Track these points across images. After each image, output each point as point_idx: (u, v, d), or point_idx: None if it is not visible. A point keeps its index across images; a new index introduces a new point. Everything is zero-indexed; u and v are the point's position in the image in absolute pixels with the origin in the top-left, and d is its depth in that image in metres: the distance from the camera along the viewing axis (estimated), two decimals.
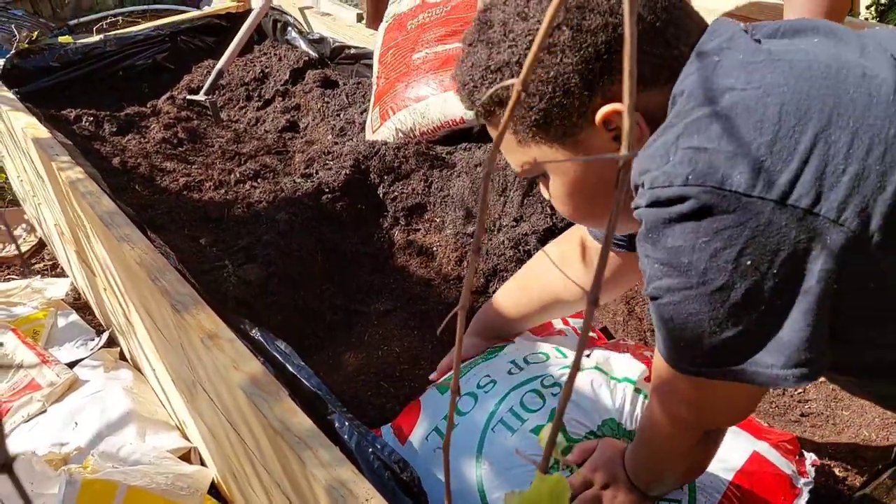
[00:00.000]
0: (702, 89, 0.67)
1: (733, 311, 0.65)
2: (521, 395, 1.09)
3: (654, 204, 0.65)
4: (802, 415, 1.35)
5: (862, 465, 1.22)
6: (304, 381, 1.02)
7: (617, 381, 1.10)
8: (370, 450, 0.92)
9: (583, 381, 1.09)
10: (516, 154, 0.83)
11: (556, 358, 1.17)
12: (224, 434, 1.20)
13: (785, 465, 1.04)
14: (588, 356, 1.14)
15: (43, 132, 1.72)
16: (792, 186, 0.60)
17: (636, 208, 0.68)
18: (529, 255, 1.49)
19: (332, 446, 0.87)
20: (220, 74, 2.42)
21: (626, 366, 1.11)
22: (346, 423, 0.95)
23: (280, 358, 1.07)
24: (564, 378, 1.09)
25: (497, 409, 1.08)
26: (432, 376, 1.28)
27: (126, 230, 1.31)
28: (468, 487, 1.03)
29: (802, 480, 1.03)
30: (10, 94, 1.97)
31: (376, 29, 2.39)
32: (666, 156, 0.65)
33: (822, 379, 1.00)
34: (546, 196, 0.90)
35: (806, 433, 1.30)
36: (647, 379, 1.10)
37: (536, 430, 1.04)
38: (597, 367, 1.12)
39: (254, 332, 1.12)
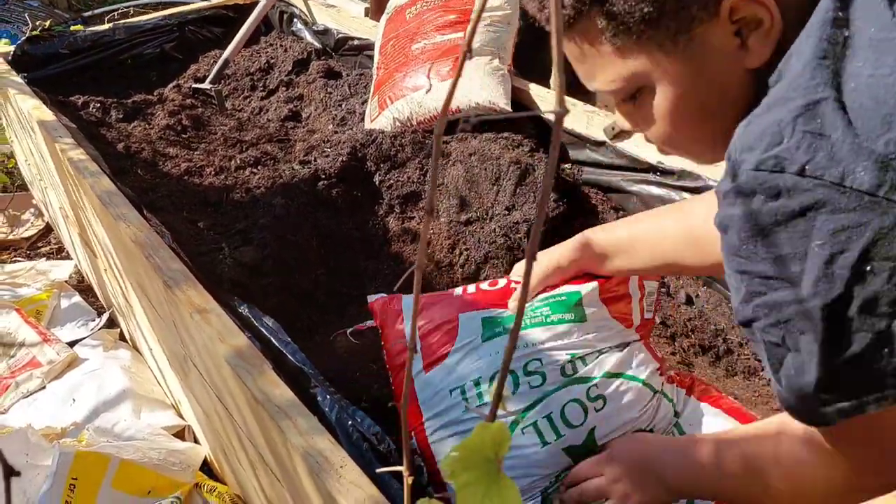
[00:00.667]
0: (828, 69, 0.58)
1: (852, 327, 0.56)
2: (563, 404, 0.99)
3: (757, 192, 0.58)
4: None
5: None
6: (289, 356, 1.05)
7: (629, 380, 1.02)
8: (349, 422, 0.94)
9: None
10: (612, 67, 0.71)
11: (620, 367, 1.05)
12: (213, 410, 1.22)
13: None
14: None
15: (48, 114, 1.75)
16: None
17: (728, 190, 0.60)
18: (520, 243, 1.51)
19: (311, 416, 0.89)
20: (225, 64, 2.44)
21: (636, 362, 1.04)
22: (328, 397, 0.97)
23: (267, 333, 1.09)
24: (609, 392, 1.01)
25: (533, 410, 0.99)
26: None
27: (123, 209, 1.34)
28: None
29: None
30: (18, 79, 2.01)
31: (376, 19, 2.43)
32: (779, 135, 0.57)
33: None
34: (627, 126, 0.78)
35: None
36: (661, 372, 1.06)
37: (569, 450, 0.98)
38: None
39: (242, 308, 1.14)
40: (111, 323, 1.92)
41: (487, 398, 0.99)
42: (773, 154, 0.57)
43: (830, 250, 0.55)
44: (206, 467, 1.54)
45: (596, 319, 1.04)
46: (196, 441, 1.57)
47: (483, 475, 0.46)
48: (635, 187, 1.56)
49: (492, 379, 1.00)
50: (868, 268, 0.55)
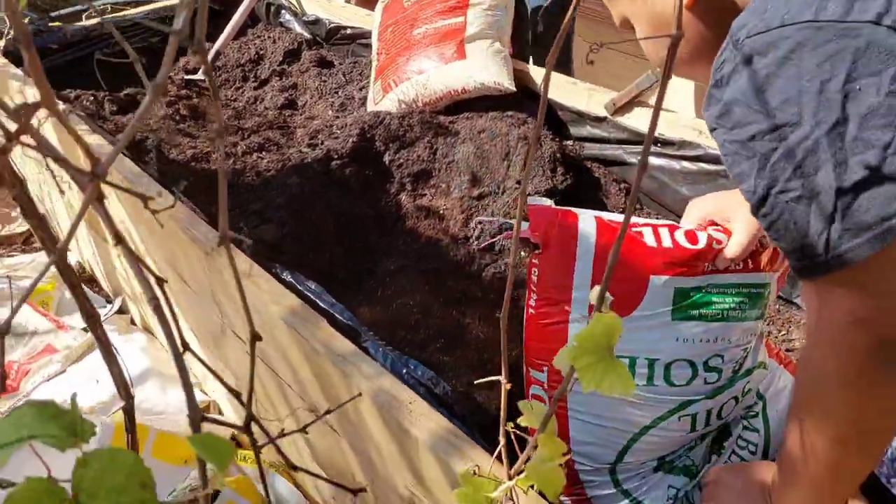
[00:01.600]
0: None
1: (855, 147, 0.61)
2: (723, 403, 0.98)
3: (754, 55, 0.65)
4: None
5: None
6: (337, 315, 1.10)
7: None
8: (404, 370, 1.00)
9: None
10: (613, 10, 0.94)
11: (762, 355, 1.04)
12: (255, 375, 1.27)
13: None
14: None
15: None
16: (887, 7, 0.60)
17: (734, 66, 0.67)
18: None
19: (373, 361, 0.95)
20: (216, 56, 2.47)
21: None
22: (380, 349, 1.03)
23: (312, 296, 1.14)
24: (755, 384, 1.03)
25: (698, 403, 0.97)
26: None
27: (152, 188, 1.38)
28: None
29: None
30: (18, 71, 2.01)
31: (361, 6, 2.48)
32: (764, 6, 0.66)
33: None
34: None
35: None
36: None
37: (665, 415, 0.96)
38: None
39: (285, 274, 1.19)
40: (121, 310, 1.94)
41: (659, 383, 0.95)
42: (761, 19, 0.66)
43: (820, 81, 0.62)
44: (234, 440, 1.58)
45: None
46: (220, 414, 1.61)
47: (599, 359, 0.53)
48: (636, 159, 1.64)
49: (669, 366, 0.95)
50: (857, 87, 0.60)
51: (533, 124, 1.72)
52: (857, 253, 0.63)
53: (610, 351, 0.53)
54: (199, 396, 1.60)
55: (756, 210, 0.69)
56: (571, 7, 0.50)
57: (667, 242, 0.97)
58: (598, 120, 1.70)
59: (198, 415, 0.41)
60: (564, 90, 1.76)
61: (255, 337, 0.43)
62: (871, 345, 0.65)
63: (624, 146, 1.67)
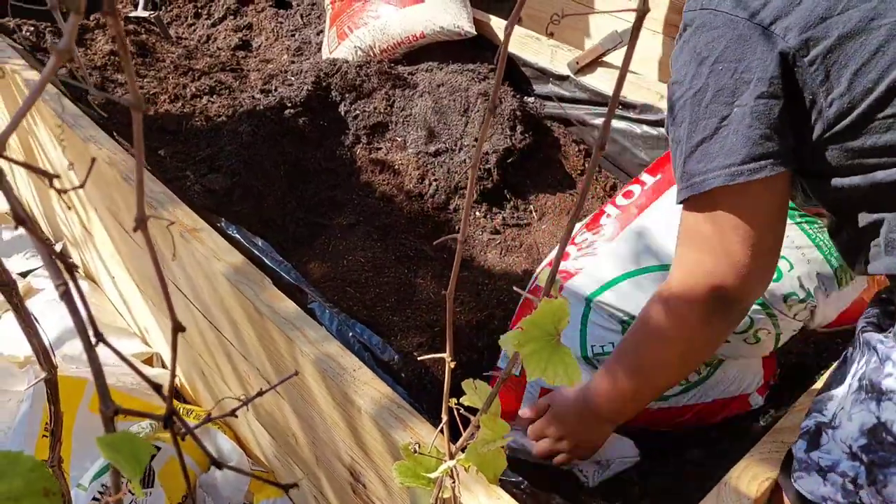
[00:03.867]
0: None
1: (704, 113, 0.77)
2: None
3: (685, 24, 0.82)
4: None
5: None
6: (283, 274, 1.07)
7: None
8: (350, 334, 0.98)
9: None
10: None
11: None
12: (196, 330, 1.24)
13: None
14: None
15: None
16: (758, 11, 0.75)
17: (680, 28, 0.84)
18: (489, 172, 1.56)
19: (318, 326, 0.93)
20: None
21: None
22: (327, 311, 1.00)
23: (258, 254, 1.11)
24: None
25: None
26: None
27: (91, 132, 1.31)
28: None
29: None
30: None
31: None
32: None
33: None
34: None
35: None
36: None
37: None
38: None
39: (230, 229, 1.15)
40: (61, 254, 1.87)
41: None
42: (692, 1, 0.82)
43: (702, 55, 0.78)
44: (176, 394, 1.55)
45: None
46: (164, 367, 1.57)
47: (545, 345, 0.51)
48: (597, 120, 1.62)
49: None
50: (720, 67, 0.76)
51: (493, 79, 1.68)
52: (680, 195, 0.81)
53: (556, 337, 0.51)
54: (142, 348, 1.56)
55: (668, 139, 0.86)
56: None
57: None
58: (561, 78, 1.67)
59: (111, 409, 0.38)
60: (528, 46, 1.72)
61: (178, 328, 0.40)
62: (698, 294, 0.82)
63: (585, 106, 1.64)
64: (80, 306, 0.36)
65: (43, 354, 0.59)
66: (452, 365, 0.63)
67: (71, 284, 0.36)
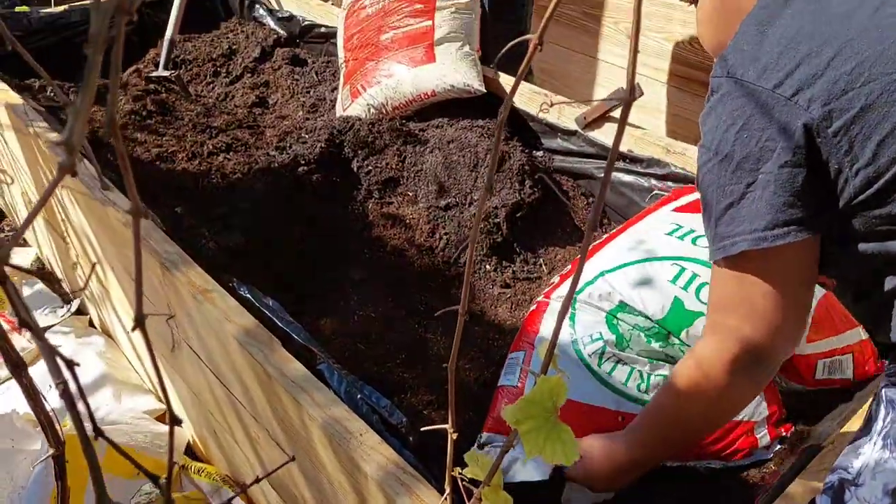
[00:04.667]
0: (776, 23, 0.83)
1: (731, 179, 0.79)
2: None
3: (712, 89, 0.84)
4: None
5: None
6: (293, 335, 1.08)
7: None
8: (358, 396, 0.98)
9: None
10: None
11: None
12: (208, 389, 1.24)
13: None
14: None
15: (15, 98, 1.72)
16: (782, 82, 0.77)
17: (708, 93, 0.86)
18: (498, 227, 1.57)
19: (326, 389, 0.93)
20: (172, 45, 2.41)
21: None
22: (336, 373, 1.01)
23: (269, 314, 1.12)
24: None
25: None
26: None
27: (110, 193, 1.34)
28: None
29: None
30: None
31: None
32: (727, 54, 0.84)
33: None
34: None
35: None
36: None
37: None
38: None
39: (242, 289, 1.17)
40: (79, 310, 1.90)
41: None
42: (722, 66, 0.83)
43: (727, 121, 0.80)
44: (188, 450, 1.56)
45: None
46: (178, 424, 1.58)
47: (543, 422, 0.52)
48: None
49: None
50: (746, 134, 0.78)
51: (503, 134, 1.70)
52: (712, 256, 0.84)
53: (554, 413, 0.51)
54: (155, 404, 1.57)
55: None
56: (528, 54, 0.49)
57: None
58: (569, 133, 1.69)
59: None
60: (536, 102, 1.75)
61: (140, 322, 0.41)
62: (725, 351, 0.85)
63: (593, 160, 1.66)
64: (80, 404, 0.37)
65: (50, 430, 0.60)
66: (455, 437, 0.64)
67: (71, 383, 0.37)
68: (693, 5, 1.03)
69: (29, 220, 0.37)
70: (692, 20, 2.34)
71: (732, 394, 0.88)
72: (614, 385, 1.14)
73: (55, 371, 0.37)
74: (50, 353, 0.36)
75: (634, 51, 0.44)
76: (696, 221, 1.25)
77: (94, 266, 1.50)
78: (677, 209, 1.33)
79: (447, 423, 1.16)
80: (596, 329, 1.16)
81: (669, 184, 1.50)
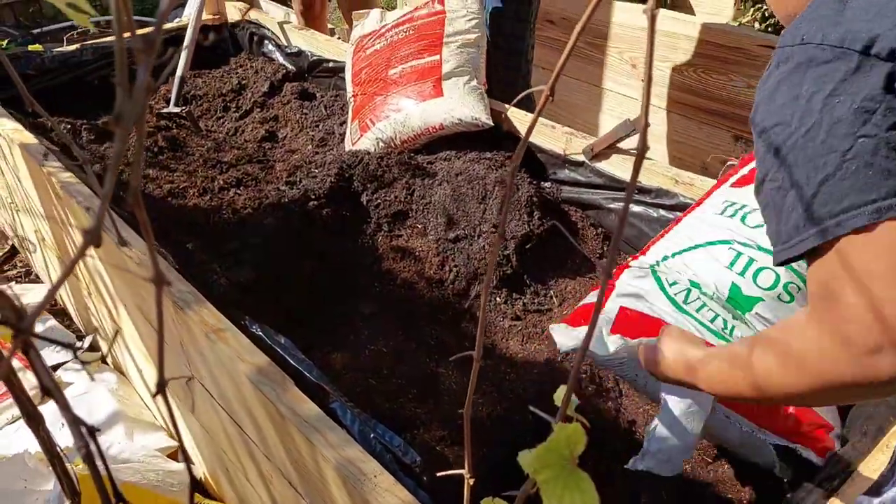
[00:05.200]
0: None
1: (821, 149, 0.72)
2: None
3: (779, 61, 0.79)
4: None
5: None
6: (306, 373, 1.08)
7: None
8: (371, 435, 0.98)
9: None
10: None
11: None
12: (221, 428, 1.24)
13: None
14: None
15: (29, 137, 1.74)
16: (872, 43, 0.71)
17: (772, 67, 0.81)
18: (508, 258, 1.57)
19: (339, 428, 0.93)
20: (182, 82, 2.45)
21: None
22: (349, 411, 1.01)
23: (281, 352, 1.12)
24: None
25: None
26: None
27: (123, 233, 1.35)
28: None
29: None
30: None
31: (305, 26, 2.53)
32: (798, 23, 0.79)
33: None
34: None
35: None
36: None
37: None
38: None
39: (254, 328, 1.17)
40: (91, 346, 1.91)
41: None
42: (792, 35, 0.78)
43: (809, 90, 0.74)
44: (200, 488, 1.55)
45: None
46: (188, 461, 1.57)
47: (561, 471, 0.51)
48: (614, 205, 1.64)
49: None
50: (836, 100, 0.72)
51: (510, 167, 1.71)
52: (803, 246, 0.74)
53: (572, 461, 0.51)
54: (167, 442, 1.56)
55: (756, 194, 0.81)
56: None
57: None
58: (577, 164, 1.70)
59: None
60: (543, 133, 1.76)
61: (161, 388, 0.41)
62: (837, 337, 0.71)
63: (601, 191, 1.67)
64: (101, 466, 0.37)
65: (66, 479, 0.61)
66: (472, 482, 0.63)
67: (92, 446, 0.37)
68: None
69: (55, 288, 0.38)
70: (694, 49, 2.36)
71: (846, 382, 0.72)
72: (701, 320, 1.17)
73: (77, 435, 0.37)
74: (74, 421, 0.37)
75: (648, 83, 0.44)
76: (748, 196, 1.24)
77: (117, 332, 1.51)
78: (735, 184, 1.32)
79: (460, 458, 1.16)
80: (679, 283, 1.23)
81: (679, 214, 1.50)
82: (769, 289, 1.14)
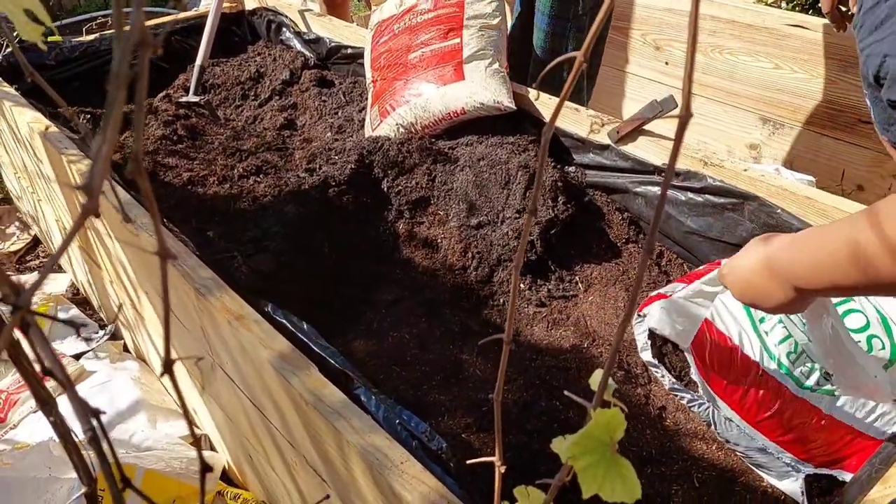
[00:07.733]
0: None
1: None
2: None
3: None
4: None
5: None
6: (329, 359, 1.06)
7: None
8: (397, 421, 0.96)
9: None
10: None
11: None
12: (244, 415, 1.23)
13: None
14: None
15: (50, 126, 1.74)
16: None
17: None
18: (533, 244, 1.55)
19: (364, 414, 0.91)
20: (202, 71, 2.44)
21: None
22: (373, 397, 0.99)
23: (303, 338, 1.11)
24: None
25: None
26: None
27: (144, 220, 1.34)
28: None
29: None
30: (11, 90, 1.98)
31: (329, 14, 2.50)
32: None
33: None
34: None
35: None
36: None
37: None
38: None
39: (277, 314, 1.15)
40: (114, 335, 1.91)
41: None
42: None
43: None
44: (224, 476, 1.54)
45: None
46: (212, 449, 1.57)
47: (601, 458, 0.49)
48: (640, 188, 1.60)
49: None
50: None
51: (534, 151, 1.68)
52: None
53: (612, 447, 0.49)
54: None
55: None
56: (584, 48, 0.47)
57: None
58: (602, 147, 1.66)
59: None
60: (567, 117, 1.72)
61: (168, 367, 0.39)
62: None
63: (627, 174, 1.63)
64: (107, 449, 0.36)
65: (83, 468, 0.59)
66: (503, 470, 0.61)
67: (98, 430, 0.35)
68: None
69: (53, 260, 0.36)
70: (720, 31, 2.31)
71: None
72: (765, 340, 1.17)
73: (83, 417, 0.35)
74: (78, 403, 0.35)
75: (691, 66, 0.42)
76: None
77: (120, 306, 1.51)
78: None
79: (485, 445, 1.14)
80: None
81: (708, 196, 1.46)
82: (858, 331, 1.12)
